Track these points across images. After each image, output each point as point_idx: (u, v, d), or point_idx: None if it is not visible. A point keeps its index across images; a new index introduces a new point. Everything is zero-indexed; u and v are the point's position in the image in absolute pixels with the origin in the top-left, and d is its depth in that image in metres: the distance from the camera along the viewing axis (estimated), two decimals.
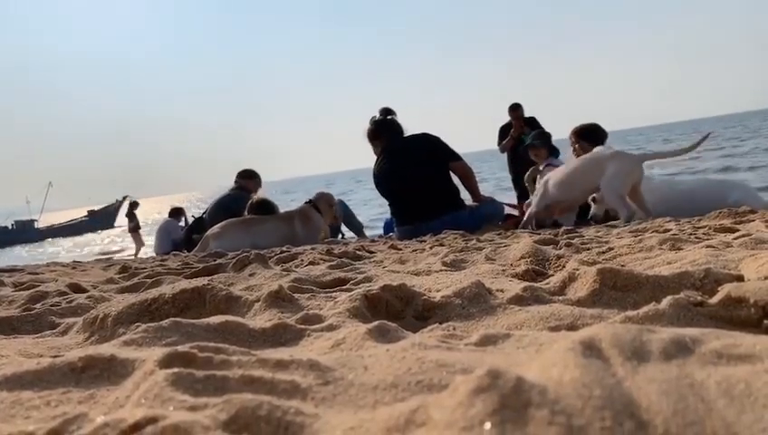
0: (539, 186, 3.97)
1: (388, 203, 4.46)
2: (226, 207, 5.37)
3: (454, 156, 4.22)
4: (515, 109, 6.59)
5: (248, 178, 5.65)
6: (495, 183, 13.65)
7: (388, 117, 4.47)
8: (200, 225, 5.62)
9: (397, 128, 4.42)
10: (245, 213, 4.84)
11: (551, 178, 3.87)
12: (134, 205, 10.30)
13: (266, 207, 4.83)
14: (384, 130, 4.41)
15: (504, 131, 6.79)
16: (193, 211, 7.36)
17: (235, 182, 5.65)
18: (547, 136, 5.50)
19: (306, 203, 4.64)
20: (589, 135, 4.21)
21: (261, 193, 5.69)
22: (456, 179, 4.27)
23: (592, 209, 3.93)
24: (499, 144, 6.83)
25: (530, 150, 5.43)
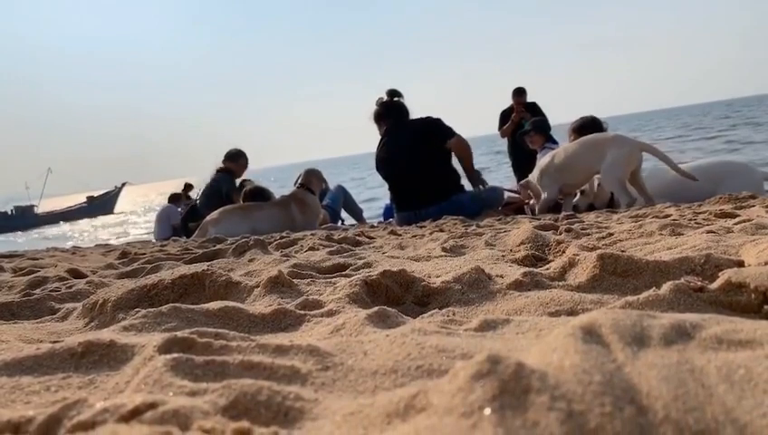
0: (540, 172, 3.94)
1: (388, 187, 4.45)
2: (215, 191, 5.38)
3: (450, 133, 4.18)
4: (519, 94, 6.55)
5: (233, 160, 5.59)
6: (497, 168, 13.56)
7: (395, 99, 4.43)
8: (194, 212, 5.63)
9: (402, 110, 4.38)
10: (240, 201, 4.83)
11: (553, 161, 3.83)
12: (189, 187, 9.27)
13: (260, 196, 4.81)
14: (389, 112, 4.37)
15: (504, 116, 6.76)
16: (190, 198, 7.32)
17: (222, 163, 5.63)
18: (541, 124, 5.45)
19: (299, 187, 4.58)
20: (587, 129, 4.19)
21: (246, 175, 5.71)
22: (456, 165, 4.25)
23: (576, 199, 3.92)
24: (500, 129, 6.80)
25: (525, 138, 5.41)
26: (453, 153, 4.19)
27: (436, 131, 4.17)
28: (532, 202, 4.29)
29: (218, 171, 5.56)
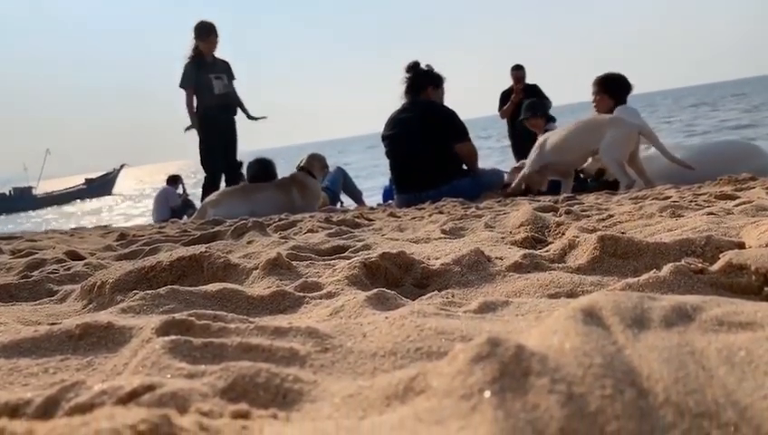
0: (534, 148, 3.92)
1: (389, 166, 4.45)
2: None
3: (460, 137, 4.17)
4: (517, 69, 6.51)
5: (199, 38, 5.43)
6: (500, 151, 13.45)
7: (419, 72, 4.35)
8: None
9: (423, 87, 4.30)
10: (245, 175, 4.82)
11: (548, 140, 3.82)
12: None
13: (266, 167, 4.78)
14: (415, 86, 4.30)
15: (505, 97, 6.73)
16: (187, 180, 7.28)
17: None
18: (538, 105, 5.39)
19: (300, 170, 4.57)
20: (613, 86, 4.05)
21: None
22: None
23: (586, 163, 3.87)
24: (500, 110, 6.78)
25: (525, 123, 5.37)
26: (460, 156, 4.19)
27: (447, 125, 4.16)
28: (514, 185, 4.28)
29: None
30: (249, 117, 5.73)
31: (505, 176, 4.44)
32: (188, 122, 5.52)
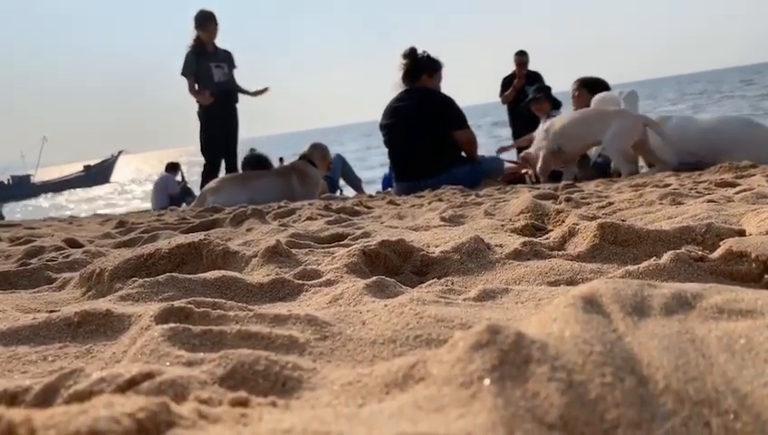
0: (540, 136, 3.91)
1: (388, 154, 4.43)
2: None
3: (458, 124, 4.14)
4: (521, 55, 6.48)
5: (200, 28, 5.46)
6: (496, 141, 13.33)
7: (416, 59, 4.30)
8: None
9: (419, 73, 4.26)
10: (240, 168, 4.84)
11: (553, 125, 3.81)
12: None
13: (261, 163, 4.78)
14: (412, 72, 4.26)
15: (506, 83, 6.69)
16: (186, 167, 7.33)
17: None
18: (547, 88, 5.44)
19: (301, 158, 4.56)
20: (593, 86, 4.15)
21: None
22: None
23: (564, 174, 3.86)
24: (501, 95, 6.75)
25: (532, 105, 5.36)
26: (459, 143, 4.16)
27: (444, 113, 4.12)
28: (531, 172, 4.27)
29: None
30: (248, 93, 5.74)
31: (506, 164, 4.43)
32: (197, 108, 5.55)
